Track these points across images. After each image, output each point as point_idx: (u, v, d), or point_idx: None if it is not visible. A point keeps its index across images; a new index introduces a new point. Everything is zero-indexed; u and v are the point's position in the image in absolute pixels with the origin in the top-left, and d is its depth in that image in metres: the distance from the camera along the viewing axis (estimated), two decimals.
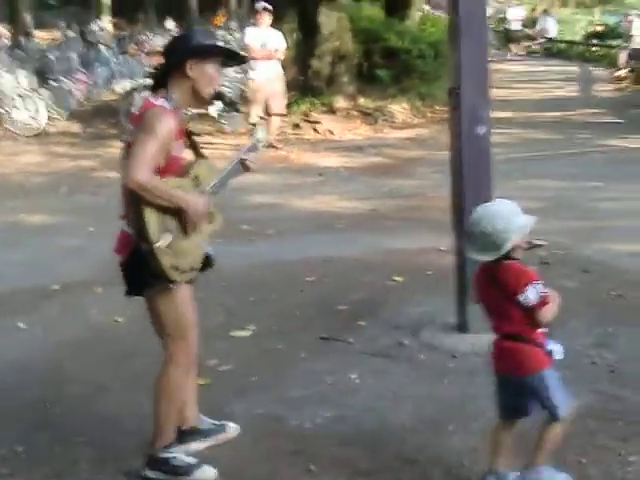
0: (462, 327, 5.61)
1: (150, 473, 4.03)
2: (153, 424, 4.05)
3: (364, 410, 4.63)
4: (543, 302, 3.54)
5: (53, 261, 7.75)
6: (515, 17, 32.96)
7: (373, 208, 9.64)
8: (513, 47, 31.57)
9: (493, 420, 4.39)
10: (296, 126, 15.37)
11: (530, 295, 3.52)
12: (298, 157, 13.14)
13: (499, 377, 3.80)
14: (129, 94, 14.79)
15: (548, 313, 3.58)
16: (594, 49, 30.97)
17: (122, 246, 3.92)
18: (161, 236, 3.73)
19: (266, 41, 13.20)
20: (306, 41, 16.30)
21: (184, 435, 4.19)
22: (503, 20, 33.88)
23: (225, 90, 14.07)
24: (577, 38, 35.28)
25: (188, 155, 4.06)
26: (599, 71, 25.47)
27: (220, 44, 4.13)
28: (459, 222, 5.55)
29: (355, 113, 16.03)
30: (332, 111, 15.92)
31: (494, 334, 3.76)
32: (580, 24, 39.25)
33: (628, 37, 23.64)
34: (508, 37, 31.83)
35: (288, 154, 13.40)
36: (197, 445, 4.22)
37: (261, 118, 13.52)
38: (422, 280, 6.78)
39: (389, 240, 8.11)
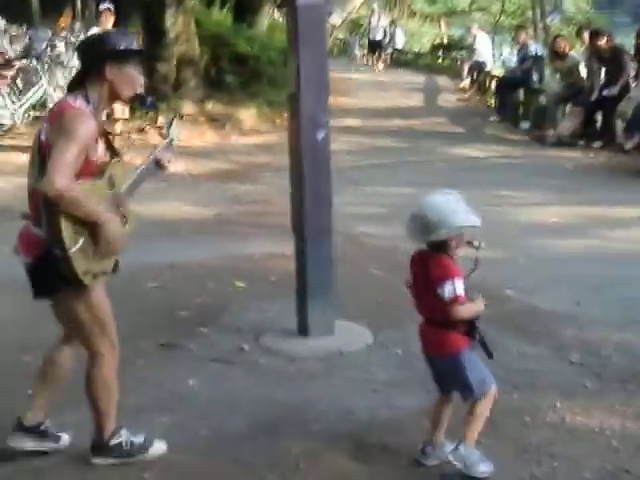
0: (303, 331, 5.65)
1: (100, 460, 4.09)
2: (94, 419, 4.07)
3: (201, 417, 4.59)
4: (456, 300, 3.68)
5: None
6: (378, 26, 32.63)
7: (218, 213, 9.61)
8: (369, 58, 31.44)
9: (333, 422, 4.48)
10: (141, 131, 15.16)
11: (445, 290, 3.69)
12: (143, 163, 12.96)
13: (425, 357, 4.01)
14: None
15: (459, 312, 3.72)
16: (440, 60, 31.79)
17: (29, 247, 3.80)
18: (75, 240, 3.63)
19: None
20: (152, 44, 16.07)
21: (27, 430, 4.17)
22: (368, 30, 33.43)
23: None
24: (424, 49, 36.18)
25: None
26: (444, 82, 26.12)
27: (137, 47, 4.07)
28: (300, 226, 5.60)
29: (202, 119, 15.94)
30: (180, 116, 15.78)
31: (419, 317, 3.97)
32: (427, 36, 40.30)
33: (471, 49, 24.31)
34: (371, 47, 31.81)
35: (132, 159, 13.19)
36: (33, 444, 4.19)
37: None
38: (265, 285, 6.80)
39: (234, 245, 8.10)
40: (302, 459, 4.11)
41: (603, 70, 14.55)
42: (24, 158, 4.76)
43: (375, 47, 30.81)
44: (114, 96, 3.92)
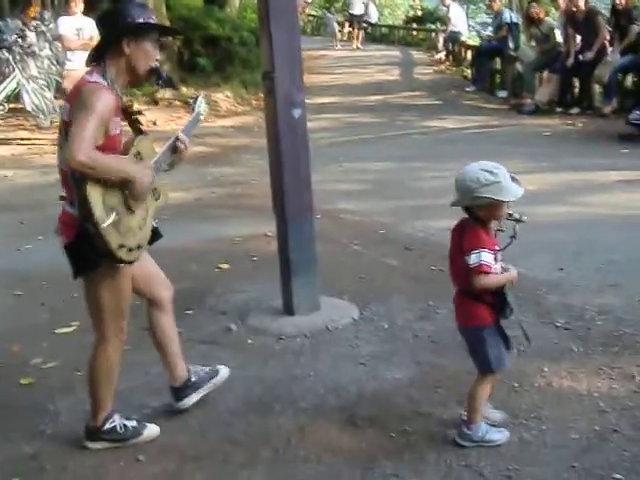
0: (288, 310, 5.67)
1: (92, 444, 4.13)
2: (91, 403, 4.11)
3: None
4: (479, 269, 3.69)
5: None
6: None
7: (198, 197, 9.61)
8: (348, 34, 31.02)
9: (322, 397, 4.51)
10: None
11: (471, 258, 3.70)
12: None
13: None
14: None
15: (481, 281, 3.73)
16: (414, 33, 31.69)
17: (66, 227, 3.83)
18: (107, 215, 3.63)
19: (80, 29, 12.78)
20: None
21: (179, 391, 4.38)
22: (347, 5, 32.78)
23: (41, 83, 13.68)
24: (398, 22, 36.07)
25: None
26: (419, 54, 26.10)
27: (154, 21, 4.05)
28: (280, 206, 5.61)
29: (178, 103, 15.87)
30: (154, 101, 15.74)
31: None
32: (401, 8, 40.15)
33: (446, 21, 24.25)
34: (351, 23, 31.36)
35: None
36: (195, 397, 4.39)
37: None
38: (248, 266, 6.81)
39: (215, 228, 8.11)
40: (293, 434, 4.15)
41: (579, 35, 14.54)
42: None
43: (354, 22, 30.51)
44: (131, 71, 3.90)
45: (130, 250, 3.78)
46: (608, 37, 13.99)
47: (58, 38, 13.31)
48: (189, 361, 4.50)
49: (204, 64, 17.08)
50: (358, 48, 28.62)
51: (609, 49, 13.95)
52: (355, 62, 24.73)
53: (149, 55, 3.91)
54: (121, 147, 3.85)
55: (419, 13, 35.24)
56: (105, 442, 4.13)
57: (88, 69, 3.89)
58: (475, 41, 21.95)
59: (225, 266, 6.90)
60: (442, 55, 23.82)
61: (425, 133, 13.63)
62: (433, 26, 29.61)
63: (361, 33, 30.11)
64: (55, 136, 13.57)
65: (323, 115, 15.00)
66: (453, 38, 23.07)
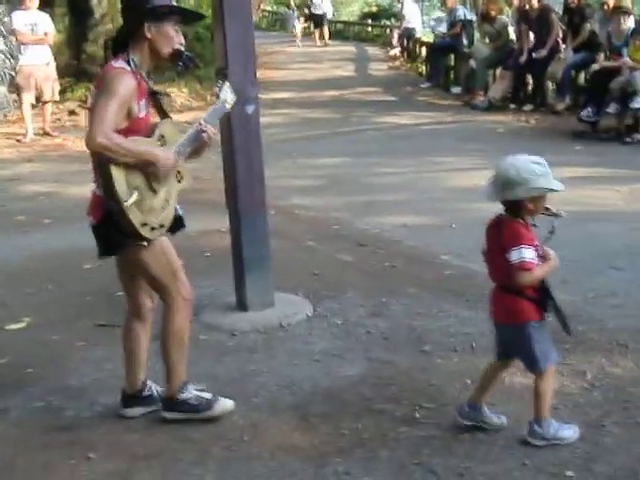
0: (241, 306, 5.65)
1: (168, 414, 4.20)
2: (165, 370, 4.19)
3: None
4: (521, 266, 3.66)
5: None
6: None
7: None
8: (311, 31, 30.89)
9: (275, 394, 4.50)
10: (72, 113, 15.00)
11: (513, 255, 3.67)
12: (75, 144, 12.71)
13: (493, 323, 3.99)
14: None
15: (525, 278, 3.69)
16: (369, 29, 31.76)
17: (93, 208, 3.93)
18: (129, 194, 3.71)
19: (35, 25, 12.72)
20: (78, 24, 15.88)
21: (127, 399, 4.31)
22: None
23: None
24: (353, 18, 36.13)
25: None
26: (374, 50, 26.16)
27: (175, 5, 4.15)
28: (233, 201, 5.59)
29: None
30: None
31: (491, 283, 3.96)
32: (356, 4, 40.20)
33: (400, 17, 24.33)
34: (314, 21, 31.28)
35: (64, 142, 13.06)
36: (139, 411, 4.31)
37: (33, 106, 13.14)
38: (202, 262, 6.76)
39: None
40: (246, 431, 4.12)
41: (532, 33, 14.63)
42: None
43: (316, 20, 30.51)
44: (155, 55, 3.98)
45: (153, 229, 3.89)
46: (561, 35, 14.11)
47: (12, 32, 13.17)
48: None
49: None
50: (326, 45, 28.64)
51: (562, 46, 14.07)
52: (310, 58, 24.74)
53: (171, 38, 3.99)
54: (147, 130, 3.92)
55: (374, 9, 35.34)
56: (179, 413, 4.17)
57: (114, 56, 3.94)
58: (429, 38, 22.03)
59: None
60: (397, 51, 23.92)
61: (380, 129, 13.65)
62: (388, 22, 29.71)
63: (326, 30, 30.14)
64: (9, 130, 13.52)
65: (278, 110, 14.99)
66: (407, 34, 23.17)
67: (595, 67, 12.28)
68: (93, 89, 3.96)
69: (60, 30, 14.44)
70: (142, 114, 3.91)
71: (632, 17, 12.43)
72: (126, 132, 3.76)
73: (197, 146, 4.14)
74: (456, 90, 17.02)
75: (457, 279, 6.22)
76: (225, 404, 4.23)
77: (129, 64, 3.88)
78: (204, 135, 4.12)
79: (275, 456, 3.89)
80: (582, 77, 13.84)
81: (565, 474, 3.64)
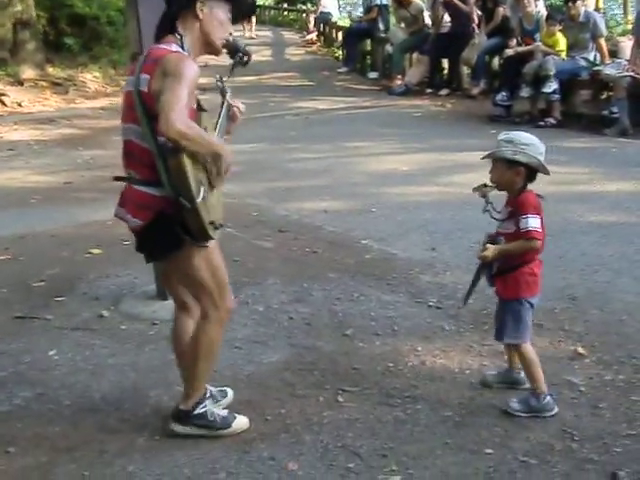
0: (161, 295, 5.58)
1: (181, 429, 3.94)
2: (186, 381, 3.96)
3: (64, 386, 4.50)
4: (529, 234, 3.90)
5: None
6: None
7: (68, 181, 9.38)
8: None
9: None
10: None
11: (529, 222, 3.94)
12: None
13: None
14: None
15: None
16: (285, 13, 31.72)
17: (139, 209, 3.57)
18: (198, 190, 3.38)
19: None
20: None
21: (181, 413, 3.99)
22: None
23: None
24: (269, 2, 36.00)
25: None
26: (291, 35, 26.11)
27: None
28: None
29: (45, 83, 15.49)
30: (19, 82, 15.30)
31: None
32: None
33: (316, 2, 24.36)
34: None
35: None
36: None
37: None
38: (120, 251, 6.67)
39: (85, 212, 7.95)
40: (170, 420, 4.09)
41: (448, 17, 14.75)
42: None
43: None
44: (206, 40, 3.68)
45: (216, 228, 3.57)
46: (477, 20, 14.25)
47: None
48: (60, 348, 4.39)
49: (71, 44, 16.69)
50: (252, 38, 28.43)
51: (477, 32, 14.21)
52: None
53: (223, 24, 3.70)
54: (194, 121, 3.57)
55: None
56: (194, 427, 3.93)
57: (158, 40, 3.63)
58: (346, 22, 22.09)
59: (97, 251, 6.77)
60: (313, 36, 23.93)
61: (298, 114, 13.66)
62: (304, 7, 29.68)
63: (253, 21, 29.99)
64: None
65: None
66: (323, 19, 23.18)
67: (509, 52, 12.43)
68: (141, 76, 3.45)
69: None
70: (194, 105, 3.57)
71: (541, 1, 12.64)
72: None
73: (229, 125, 3.92)
74: (373, 75, 17.10)
75: (378, 263, 6.26)
76: (240, 422, 4.00)
77: (183, 49, 3.55)
78: (236, 111, 3.94)
79: (199, 444, 3.87)
80: (496, 62, 14.03)
81: (485, 452, 3.70)
